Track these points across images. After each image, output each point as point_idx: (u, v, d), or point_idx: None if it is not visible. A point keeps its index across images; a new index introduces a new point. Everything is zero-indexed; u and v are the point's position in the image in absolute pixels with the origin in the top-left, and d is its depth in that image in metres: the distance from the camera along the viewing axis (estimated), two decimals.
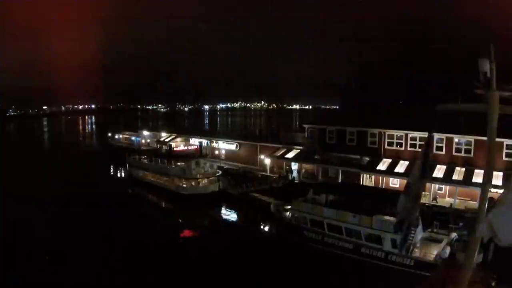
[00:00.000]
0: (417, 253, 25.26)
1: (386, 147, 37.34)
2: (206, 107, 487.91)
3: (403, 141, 36.28)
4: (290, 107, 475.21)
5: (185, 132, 68.61)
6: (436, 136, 34.30)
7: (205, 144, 58.48)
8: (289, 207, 32.21)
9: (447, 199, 33.49)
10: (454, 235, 26.82)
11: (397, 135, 36.63)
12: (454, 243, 26.08)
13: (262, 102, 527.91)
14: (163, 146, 58.90)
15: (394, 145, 36.84)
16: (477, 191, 30.53)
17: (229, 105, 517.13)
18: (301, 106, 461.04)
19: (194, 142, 60.33)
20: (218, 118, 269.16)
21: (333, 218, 27.80)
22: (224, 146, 55.61)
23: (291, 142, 46.94)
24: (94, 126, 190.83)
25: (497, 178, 30.59)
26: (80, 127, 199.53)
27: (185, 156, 48.63)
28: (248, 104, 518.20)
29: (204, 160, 47.27)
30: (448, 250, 24.42)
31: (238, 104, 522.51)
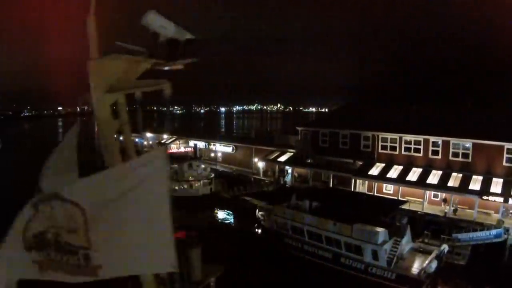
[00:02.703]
0: (403, 265, 23.39)
1: (380, 150, 35.27)
2: (222, 109, 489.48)
3: (397, 145, 34.17)
4: (307, 109, 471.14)
5: (188, 134, 68.21)
6: (433, 139, 32.11)
7: (203, 147, 57.70)
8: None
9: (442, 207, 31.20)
10: (444, 246, 24.83)
11: (391, 138, 34.55)
12: (443, 256, 24.12)
13: (279, 105, 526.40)
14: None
15: (388, 149, 34.75)
16: (474, 199, 28.40)
17: (245, 107, 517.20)
18: (318, 109, 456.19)
19: (197, 144, 59.45)
20: (234, 121, 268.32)
21: (313, 225, 26.23)
22: (221, 148, 54.60)
23: (285, 144, 45.36)
24: None
25: (497, 185, 28.33)
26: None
27: (179, 158, 47.81)
28: (265, 107, 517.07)
29: (197, 162, 46.27)
30: (434, 264, 22.49)
31: (254, 107, 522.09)
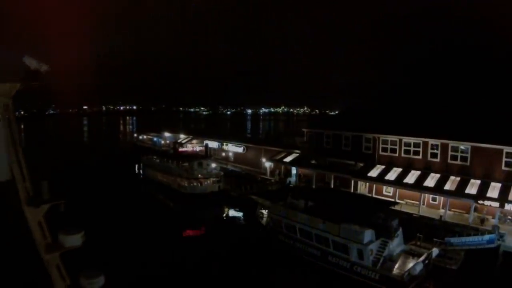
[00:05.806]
0: (391, 266, 23.64)
1: (381, 152, 35.37)
2: (249, 111, 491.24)
3: (397, 147, 34.18)
4: (332, 112, 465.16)
5: (203, 134, 70.25)
6: (431, 141, 31.94)
7: (217, 146, 59.27)
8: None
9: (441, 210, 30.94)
10: (434, 250, 24.82)
11: (391, 140, 34.60)
12: (430, 259, 24.12)
13: (305, 107, 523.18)
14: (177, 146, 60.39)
15: (388, 151, 34.80)
16: (471, 203, 28.14)
17: (272, 109, 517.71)
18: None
19: (211, 144, 61.03)
20: (261, 123, 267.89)
21: (305, 223, 26.93)
22: (233, 148, 56.01)
23: (293, 145, 46.12)
24: (134, 127, 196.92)
25: (494, 189, 27.92)
26: (121, 127, 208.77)
27: (189, 156, 49.59)
28: (291, 109, 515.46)
29: (207, 161, 47.76)
30: (419, 267, 22.61)
31: (281, 109, 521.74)
